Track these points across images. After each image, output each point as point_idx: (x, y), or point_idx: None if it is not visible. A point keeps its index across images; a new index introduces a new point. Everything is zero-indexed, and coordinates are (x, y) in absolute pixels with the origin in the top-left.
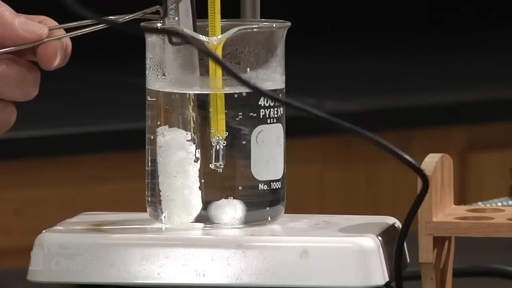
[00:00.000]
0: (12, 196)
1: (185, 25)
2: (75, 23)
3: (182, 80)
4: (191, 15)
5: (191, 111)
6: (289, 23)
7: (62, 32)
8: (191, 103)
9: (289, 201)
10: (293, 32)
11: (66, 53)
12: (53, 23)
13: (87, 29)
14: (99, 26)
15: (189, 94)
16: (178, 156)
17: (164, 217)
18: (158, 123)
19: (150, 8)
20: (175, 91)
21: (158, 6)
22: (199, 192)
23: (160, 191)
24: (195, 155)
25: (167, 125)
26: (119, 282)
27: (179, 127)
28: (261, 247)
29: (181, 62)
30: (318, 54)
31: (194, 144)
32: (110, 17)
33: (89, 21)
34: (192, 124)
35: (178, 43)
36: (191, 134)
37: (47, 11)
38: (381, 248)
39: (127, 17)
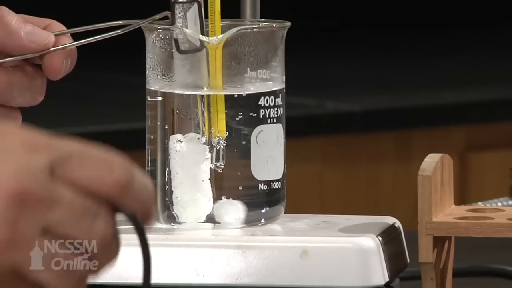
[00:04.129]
0: None
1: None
2: (81, 27)
3: (183, 80)
4: (199, 24)
5: (205, 113)
6: (289, 23)
7: (68, 37)
8: (205, 105)
9: (289, 201)
10: (293, 32)
11: (72, 61)
12: (60, 27)
13: (96, 37)
14: (108, 34)
15: (199, 95)
16: (194, 161)
17: (174, 216)
18: (159, 123)
19: (159, 14)
20: (176, 91)
21: (167, 12)
22: (211, 192)
23: (172, 192)
24: (209, 157)
25: (181, 132)
26: (119, 282)
27: (180, 128)
28: (261, 247)
29: (184, 64)
30: (318, 54)
31: (208, 146)
32: (118, 21)
33: (95, 26)
34: (206, 126)
35: (185, 51)
36: (205, 138)
37: (53, 11)
38: (381, 248)
39: (136, 23)
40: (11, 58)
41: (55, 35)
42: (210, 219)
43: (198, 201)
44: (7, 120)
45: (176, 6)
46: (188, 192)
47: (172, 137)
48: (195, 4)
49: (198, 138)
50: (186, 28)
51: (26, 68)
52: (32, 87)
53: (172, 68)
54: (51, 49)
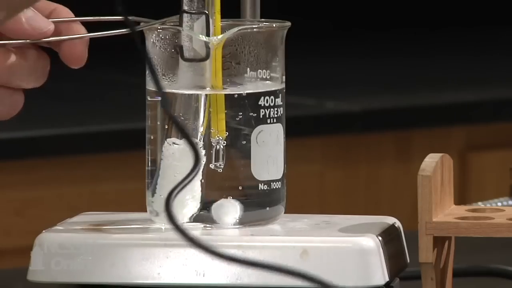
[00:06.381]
0: (12, 196)
1: (198, 42)
2: (88, 18)
3: (183, 80)
4: (205, 34)
5: (205, 112)
6: (289, 23)
7: (79, 24)
8: (209, 105)
9: (289, 201)
10: (293, 32)
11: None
12: (66, 11)
13: (108, 32)
14: (119, 31)
15: (200, 95)
16: (187, 163)
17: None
18: (159, 123)
19: (170, 17)
20: (176, 91)
21: (178, 16)
22: (200, 193)
23: (155, 193)
24: (204, 159)
25: (177, 136)
26: (119, 282)
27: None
28: (261, 247)
29: (188, 70)
30: (318, 54)
31: (204, 149)
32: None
33: (102, 18)
34: (203, 126)
35: (190, 59)
36: (202, 142)
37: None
38: (381, 248)
39: (146, 24)
40: (10, 41)
41: (64, 22)
42: (201, 219)
43: (184, 202)
44: (9, 101)
45: (185, 15)
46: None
47: (168, 140)
48: (203, 16)
49: (196, 142)
50: (191, 39)
51: (28, 51)
52: (34, 69)
53: (172, 68)
54: (63, 37)
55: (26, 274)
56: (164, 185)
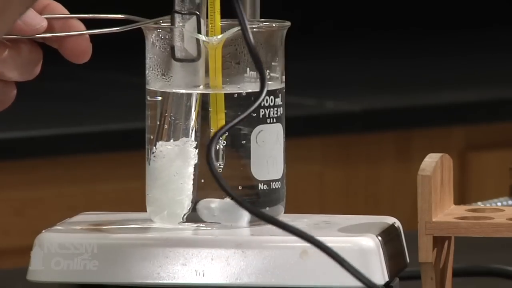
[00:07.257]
0: (12, 196)
1: (189, 43)
2: (83, 15)
3: (182, 80)
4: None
5: (195, 113)
6: (289, 23)
7: (77, 20)
8: (198, 105)
9: (289, 201)
10: (293, 32)
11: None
12: (61, 9)
13: (106, 29)
14: (116, 28)
15: (194, 94)
16: (180, 164)
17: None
18: (158, 123)
19: (163, 17)
20: (175, 91)
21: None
22: (191, 194)
23: (150, 191)
24: (196, 160)
25: (173, 133)
26: (119, 282)
27: (179, 129)
28: (261, 247)
29: (180, 70)
30: (318, 54)
31: (197, 149)
32: (120, 15)
33: (95, 16)
34: (195, 126)
35: (181, 59)
36: (195, 142)
37: None
38: (381, 248)
39: (141, 23)
40: (9, 36)
41: (58, 19)
42: (190, 219)
43: (174, 201)
44: (1, 94)
45: (176, 15)
46: (165, 193)
47: (160, 142)
48: (194, 17)
49: (191, 143)
50: (183, 39)
51: (21, 44)
52: (26, 62)
53: (171, 68)
54: (57, 33)
55: (26, 274)
56: (159, 186)
